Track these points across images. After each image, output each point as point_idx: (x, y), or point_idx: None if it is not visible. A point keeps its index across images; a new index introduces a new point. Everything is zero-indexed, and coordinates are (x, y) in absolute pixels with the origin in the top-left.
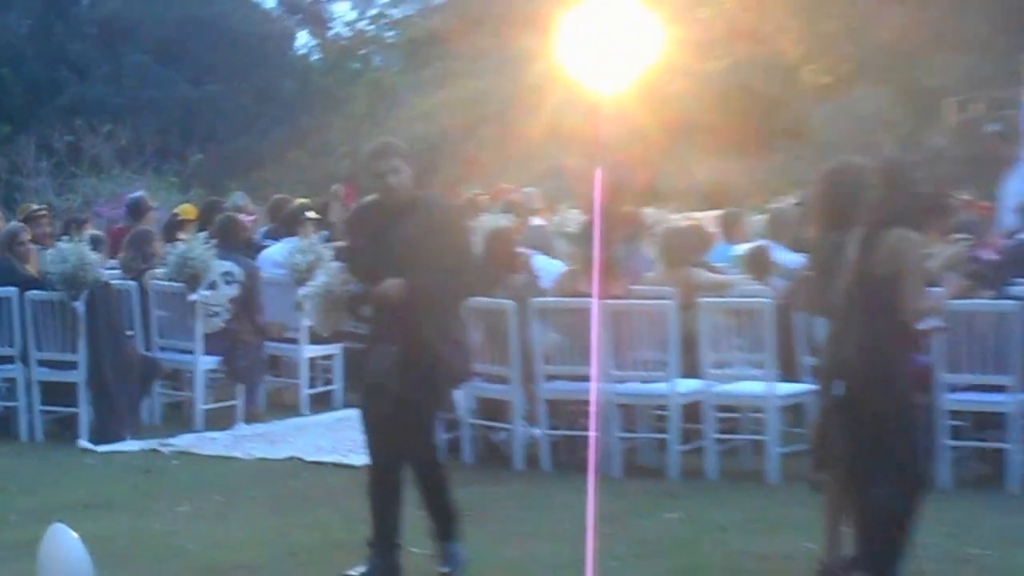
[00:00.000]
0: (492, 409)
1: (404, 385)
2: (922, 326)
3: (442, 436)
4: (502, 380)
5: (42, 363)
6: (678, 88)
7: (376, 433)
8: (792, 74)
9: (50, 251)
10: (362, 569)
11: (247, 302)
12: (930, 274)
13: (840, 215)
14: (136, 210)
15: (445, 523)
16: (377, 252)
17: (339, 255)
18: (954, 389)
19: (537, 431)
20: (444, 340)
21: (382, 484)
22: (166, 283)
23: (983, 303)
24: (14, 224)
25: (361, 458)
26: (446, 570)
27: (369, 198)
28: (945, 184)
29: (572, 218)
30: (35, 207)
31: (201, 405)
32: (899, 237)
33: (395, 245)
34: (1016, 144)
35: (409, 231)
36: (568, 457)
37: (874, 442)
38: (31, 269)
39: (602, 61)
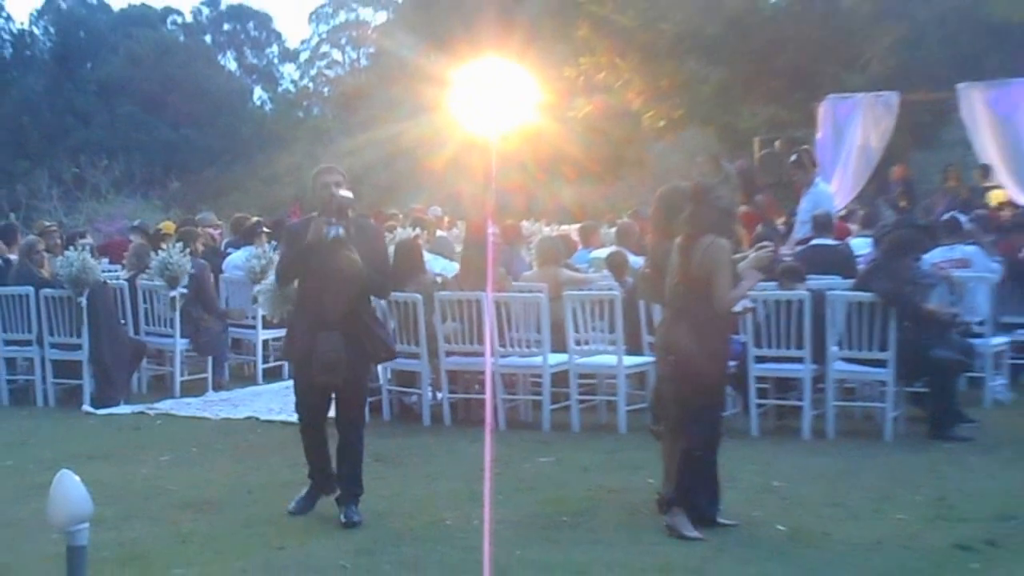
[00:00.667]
0: (405, 378)
1: (351, 362)
2: (736, 309)
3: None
4: (414, 356)
5: (53, 345)
6: (550, 129)
7: (315, 398)
8: (636, 119)
9: (59, 258)
10: (302, 494)
11: (198, 292)
12: (737, 271)
13: (669, 226)
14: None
15: (355, 482)
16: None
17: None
18: (761, 360)
19: (440, 395)
20: (379, 326)
21: (315, 434)
22: (150, 282)
23: (784, 292)
24: (31, 237)
25: None
26: (356, 520)
27: (308, 215)
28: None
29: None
30: (47, 224)
31: (179, 377)
32: (709, 243)
33: (334, 254)
34: (809, 173)
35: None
36: (464, 415)
37: (691, 403)
38: (45, 272)
39: (489, 110)
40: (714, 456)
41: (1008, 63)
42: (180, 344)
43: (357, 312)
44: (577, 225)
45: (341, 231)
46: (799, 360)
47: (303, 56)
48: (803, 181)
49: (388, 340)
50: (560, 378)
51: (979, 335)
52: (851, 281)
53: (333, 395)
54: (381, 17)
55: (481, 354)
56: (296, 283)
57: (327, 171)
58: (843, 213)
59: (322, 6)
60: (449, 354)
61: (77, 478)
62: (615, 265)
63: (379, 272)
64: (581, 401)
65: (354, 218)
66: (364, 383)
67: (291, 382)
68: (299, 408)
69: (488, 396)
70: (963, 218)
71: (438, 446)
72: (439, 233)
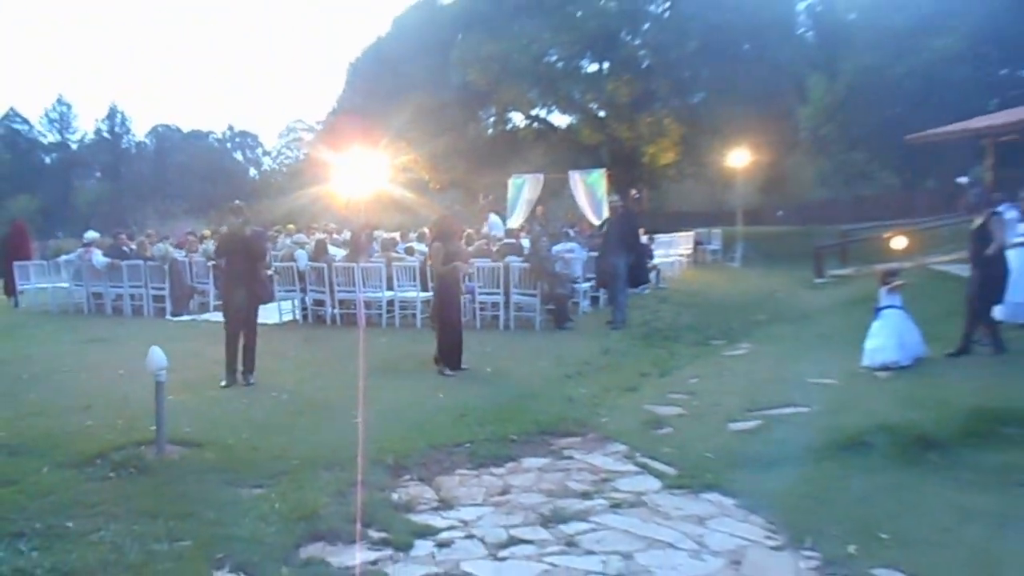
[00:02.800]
0: (321, 301)
1: (248, 305)
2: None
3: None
4: (322, 292)
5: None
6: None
7: (233, 318)
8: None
9: (156, 246)
10: (224, 382)
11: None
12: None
13: (436, 233)
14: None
15: (251, 363)
16: (232, 251)
17: None
18: (483, 293)
19: (335, 310)
20: (264, 284)
21: (232, 340)
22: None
23: (496, 264)
24: (140, 238)
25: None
26: (251, 382)
27: (224, 229)
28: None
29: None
30: (148, 231)
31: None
32: (437, 246)
33: (242, 248)
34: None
35: (248, 242)
36: (346, 321)
37: (446, 312)
38: (147, 253)
39: (360, 179)
40: (459, 337)
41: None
42: (212, 288)
43: (253, 275)
44: (398, 232)
45: (248, 231)
46: (497, 294)
47: (273, 154)
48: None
49: (271, 291)
50: (390, 303)
51: (577, 282)
52: (523, 256)
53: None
54: (309, 136)
55: (354, 290)
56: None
57: (235, 210)
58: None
59: (282, 132)
60: (340, 290)
61: (159, 349)
62: (424, 250)
63: (260, 255)
64: (400, 314)
65: (254, 227)
66: (255, 311)
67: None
68: (227, 323)
69: (360, 311)
70: (572, 231)
71: (329, 339)
72: (333, 237)
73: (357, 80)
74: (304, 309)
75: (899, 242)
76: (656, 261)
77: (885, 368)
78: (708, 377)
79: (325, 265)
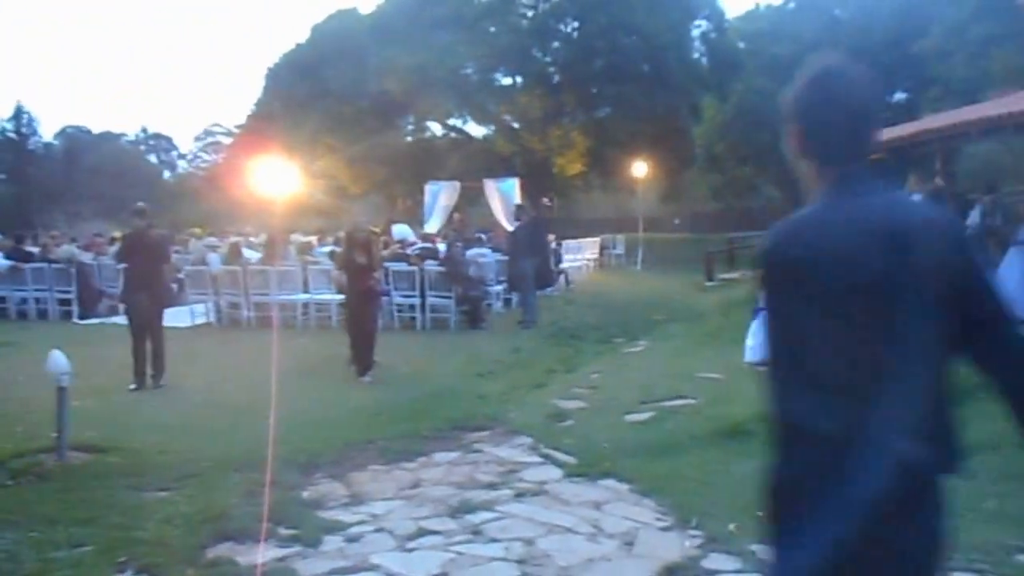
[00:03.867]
0: (236, 304)
1: (152, 307)
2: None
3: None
4: (238, 295)
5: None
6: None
7: (137, 321)
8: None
9: (61, 249)
10: (132, 385)
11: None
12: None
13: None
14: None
15: (160, 366)
16: (136, 254)
17: None
18: (400, 296)
19: (249, 312)
20: (167, 288)
21: (138, 343)
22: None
23: (412, 268)
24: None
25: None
26: (161, 385)
27: (129, 231)
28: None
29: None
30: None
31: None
32: (339, 255)
33: (146, 250)
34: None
35: (152, 244)
36: (261, 323)
37: (369, 309)
38: (54, 256)
39: (278, 181)
40: (371, 342)
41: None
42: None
43: (156, 278)
44: (315, 236)
45: (153, 233)
46: (415, 296)
47: (189, 157)
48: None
49: (174, 294)
50: (305, 305)
51: (490, 284)
52: (439, 261)
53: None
54: (226, 139)
55: (269, 293)
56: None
57: (138, 212)
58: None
59: (199, 135)
60: (255, 293)
61: (60, 352)
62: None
63: (164, 258)
64: (317, 316)
65: (158, 229)
66: (160, 315)
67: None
68: (131, 326)
69: (274, 313)
70: (485, 236)
71: (243, 340)
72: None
73: (275, 85)
74: (218, 312)
75: None
76: (565, 265)
77: (764, 364)
78: (609, 373)
79: (239, 268)
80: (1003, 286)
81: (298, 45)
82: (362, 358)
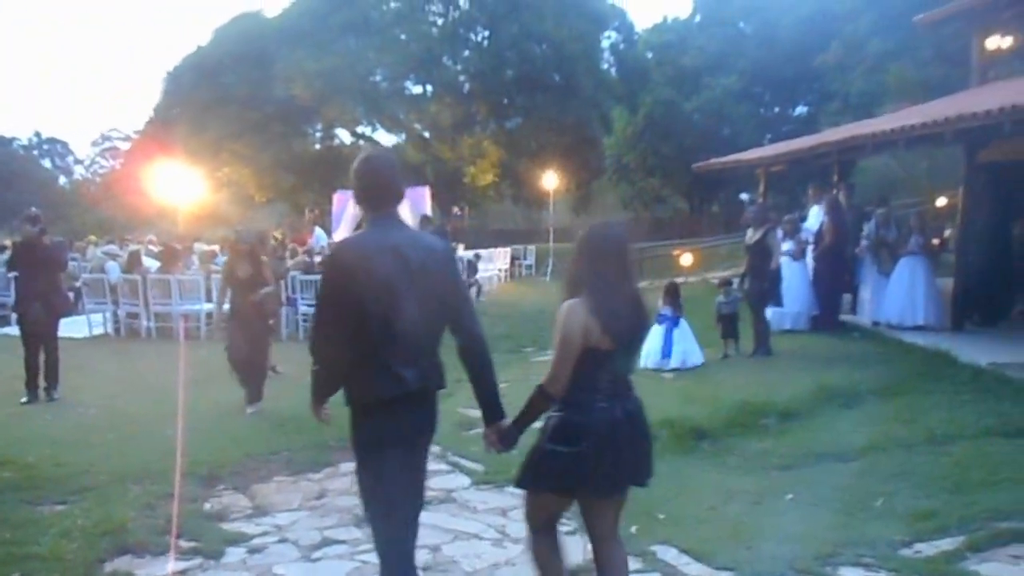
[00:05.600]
0: (135, 315)
1: (46, 317)
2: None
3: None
4: (136, 305)
5: None
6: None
7: (30, 331)
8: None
9: None
10: (24, 398)
11: None
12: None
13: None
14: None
15: (55, 378)
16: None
17: None
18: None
19: (150, 323)
20: (63, 296)
21: (31, 354)
22: None
23: (311, 276)
24: None
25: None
26: (56, 397)
27: (20, 239)
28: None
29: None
30: None
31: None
32: (225, 269)
33: (39, 258)
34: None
35: (45, 252)
36: (162, 333)
37: (256, 332)
38: None
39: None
40: (258, 369)
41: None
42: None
43: (51, 287)
44: (218, 245)
45: (47, 240)
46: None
47: (86, 162)
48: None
49: (70, 303)
50: (209, 315)
51: None
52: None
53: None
54: (125, 145)
55: (171, 303)
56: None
57: (30, 218)
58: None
59: (96, 140)
60: (155, 303)
61: None
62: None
63: (59, 266)
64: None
65: (51, 238)
66: (55, 324)
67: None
68: (23, 337)
69: (177, 324)
70: None
71: (147, 351)
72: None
73: (176, 90)
74: (116, 322)
75: (686, 258)
76: (478, 276)
77: (659, 369)
78: (517, 381)
79: (139, 277)
80: (895, 293)
81: (200, 48)
82: (249, 387)
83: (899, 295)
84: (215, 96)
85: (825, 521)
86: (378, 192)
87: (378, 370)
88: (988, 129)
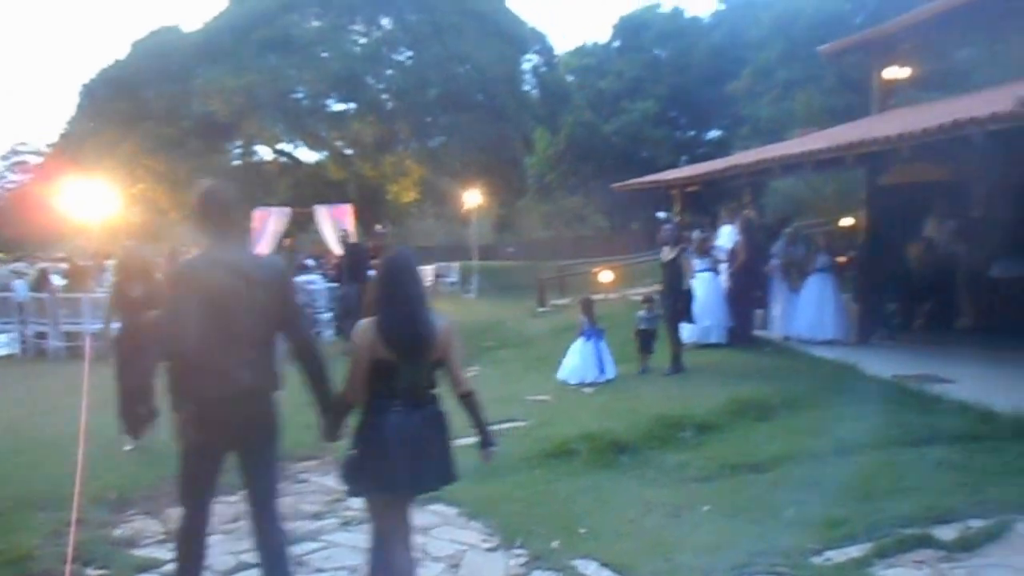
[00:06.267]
0: (43, 334)
1: None
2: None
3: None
4: (45, 325)
5: None
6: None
7: None
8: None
9: None
10: None
11: None
12: None
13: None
14: None
15: None
16: None
17: None
18: None
19: (57, 342)
20: None
21: None
22: None
23: None
24: None
25: None
26: None
27: None
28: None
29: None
30: None
31: None
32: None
33: None
34: None
35: None
36: (72, 352)
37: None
38: None
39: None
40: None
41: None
42: None
43: None
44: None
45: None
46: None
47: None
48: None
49: None
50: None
51: (320, 313)
52: None
53: None
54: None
55: (81, 322)
56: None
57: None
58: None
59: (5, 154)
60: (65, 322)
61: None
62: None
63: None
64: None
65: None
66: None
67: None
68: None
69: (86, 343)
70: (316, 262)
71: (58, 369)
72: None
73: (90, 103)
74: (24, 342)
75: (606, 276)
76: None
77: (582, 384)
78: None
79: (47, 295)
80: (804, 309)
81: (116, 61)
82: (130, 415)
83: (808, 311)
84: (132, 110)
85: (740, 531)
86: (216, 218)
87: (210, 371)
88: (887, 154)
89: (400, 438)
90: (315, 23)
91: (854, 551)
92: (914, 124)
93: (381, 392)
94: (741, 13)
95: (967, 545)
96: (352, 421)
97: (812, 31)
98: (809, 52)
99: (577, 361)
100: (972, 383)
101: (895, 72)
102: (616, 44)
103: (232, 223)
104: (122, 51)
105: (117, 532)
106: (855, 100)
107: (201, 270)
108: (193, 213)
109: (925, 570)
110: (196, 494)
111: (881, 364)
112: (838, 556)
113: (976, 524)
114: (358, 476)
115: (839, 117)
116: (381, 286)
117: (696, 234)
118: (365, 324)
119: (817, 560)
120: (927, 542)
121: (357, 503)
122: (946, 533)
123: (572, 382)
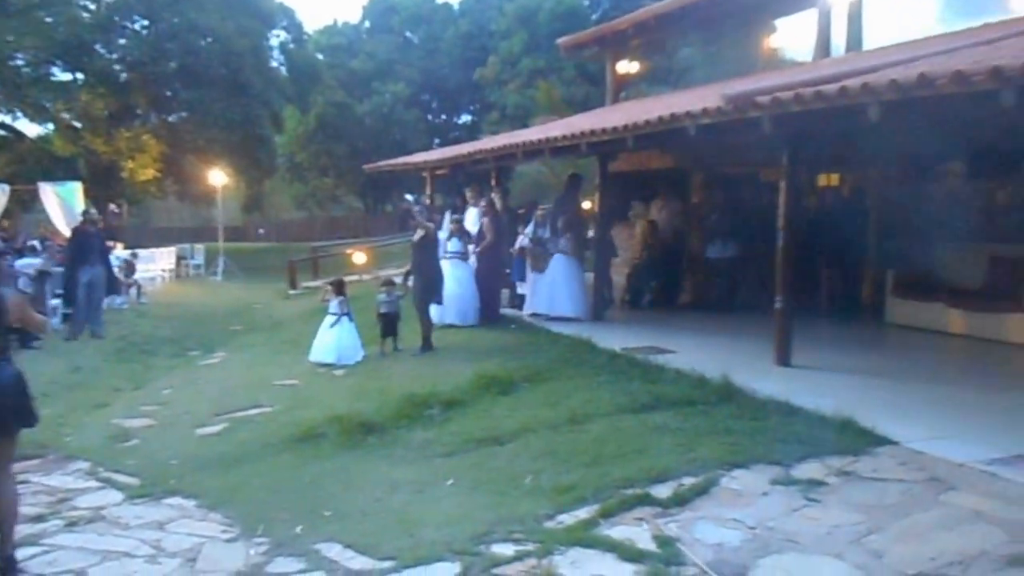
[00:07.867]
0: None
1: None
2: None
3: None
4: None
5: None
6: None
7: None
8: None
9: None
10: None
11: None
12: None
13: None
14: None
15: None
16: None
17: None
18: None
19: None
20: None
21: None
22: None
23: None
24: None
25: None
26: None
27: None
28: None
29: None
30: None
31: None
32: None
33: None
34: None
35: None
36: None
37: None
38: None
39: None
40: None
41: None
42: None
43: None
44: None
45: None
46: None
47: None
48: None
49: None
50: None
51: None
52: None
53: None
54: None
55: None
56: None
57: None
58: None
59: None
60: None
61: None
62: None
63: None
64: None
65: None
66: None
67: None
68: None
69: None
70: (43, 244)
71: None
72: None
73: None
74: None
75: (359, 257)
76: (137, 276)
77: (330, 366)
78: (182, 387)
79: None
80: (546, 288)
81: None
82: None
83: (550, 290)
84: None
85: (481, 502)
86: None
87: None
88: (615, 143)
89: None
90: None
91: (583, 513)
92: (639, 116)
93: None
94: (486, 2)
95: (680, 501)
96: None
97: (552, 24)
98: (551, 44)
99: (329, 340)
100: (688, 354)
101: (627, 67)
102: (367, 24)
103: None
104: None
105: None
106: (593, 91)
107: None
108: None
109: (644, 526)
110: None
111: (613, 338)
112: (568, 519)
113: (688, 481)
114: None
115: (578, 107)
116: None
117: (448, 216)
118: None
119: (550, 524)
120: (646, 500)
121: (86, 501)
122: (662, 491)
123: (327, 361)
